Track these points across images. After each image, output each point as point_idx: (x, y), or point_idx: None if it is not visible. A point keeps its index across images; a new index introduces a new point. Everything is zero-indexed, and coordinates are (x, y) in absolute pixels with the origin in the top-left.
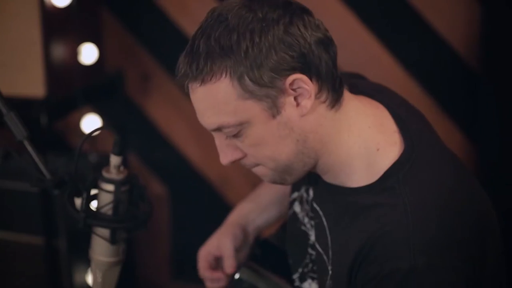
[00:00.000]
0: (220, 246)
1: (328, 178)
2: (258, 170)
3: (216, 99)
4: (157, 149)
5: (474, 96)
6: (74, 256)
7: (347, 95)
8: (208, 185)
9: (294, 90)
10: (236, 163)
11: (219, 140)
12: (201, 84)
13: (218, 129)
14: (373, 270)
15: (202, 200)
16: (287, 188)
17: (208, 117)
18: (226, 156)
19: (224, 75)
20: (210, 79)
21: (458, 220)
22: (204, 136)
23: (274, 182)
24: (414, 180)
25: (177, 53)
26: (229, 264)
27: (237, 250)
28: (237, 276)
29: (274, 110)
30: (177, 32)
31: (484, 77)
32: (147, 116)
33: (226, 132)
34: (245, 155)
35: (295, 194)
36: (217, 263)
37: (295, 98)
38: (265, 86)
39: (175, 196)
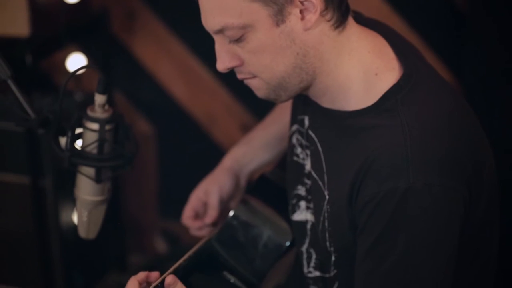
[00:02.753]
0: (208, 193)
1: (325, 103)
2: (252, 83)
3: None
4: (144, 88)
5: (461, 35)
6: (60, 195)
7: (350, 20)
8: (195, 124)
9: (301, 2)
10: (231, 70)
11: (220, 45)
12: None
13: (221, 31)
14: (371, 190)
15: (189, 139)
16: (281, 131)
17: (213, 17)
18: (223, 62)
19: None
20: None
21: (457, 141)
22: (191, 75)
23: (268, 97)
24: (413, 102)
25: None
26: (210, 214)
27: (229, 198)
28: (231, 213)
29: (279, 18)
30: None
31: (470, 17)
32: (133, 55)
33: (228, 35)
34: (242, 63)
35: (294, 127)
36: (205, 209)
37: (301, 11)
38: None
39: (162, 135)
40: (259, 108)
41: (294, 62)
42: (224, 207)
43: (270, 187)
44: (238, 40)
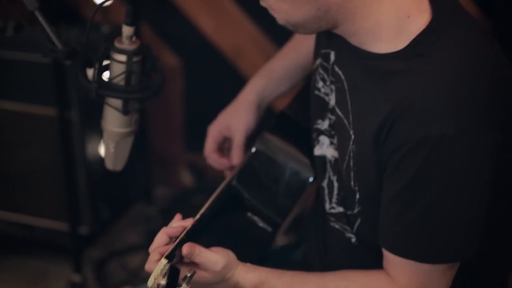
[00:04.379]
0: (232, 129)
1: (353, 42)
2: (273, 13)
3: None
4: (170, 21)
5: None
6: (86, 127)
7: None
8: (221, 57)
9: None
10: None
11: None
12: None
13: None
14: (403, 136)
15: (215, 72)
16: (300, 60)
17: None
18: None
19: None
20: None
21: (489, 86)
22: (218, 7)
23: (285, 26)
24: (445, 47)
25: None
26: (237, 154)
27: (250, 134)
28: (253, 149)
29: None
30: None
31: None
32: None
33: None
34: None
35: (318, 61)
36: (225, 142)
37: None
38: None
39: (188, 68)
40: (285, 40)
41: (314, 14)
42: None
43: (289, 123)
44: None
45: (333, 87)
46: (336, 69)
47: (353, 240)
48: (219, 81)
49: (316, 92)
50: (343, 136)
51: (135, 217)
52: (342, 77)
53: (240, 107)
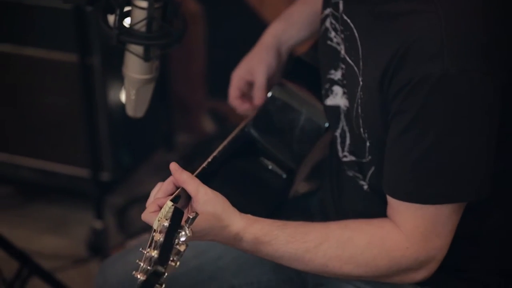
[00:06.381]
0: (253, 72)
1: None
2: None
3: None
4: None
5: None
6: (108, 74)
7: None
8: (243, 3)
9: None
10: None
11: None
12: None
13: None
14: (406, 76)
15: (237, 18)
16: (320, 6)
17: None
18: None
19: None
20: None
21: (494, 26)
22: None
23: None
24: None
25: None
26: (259, 95)
27: (274, 76)
28: (269, 94)
29: None
30: None
31: None
32: None
33: None
34: None
35: (327, 10)
36: (249, 87)
37: None
38: None
39: (210, 13)
40: None
41: None
42: (269, 86)
43: (306, 70)
44: None
45: (343, 36)
46: (345, 17)
47: (365, 187)
48: (241, 27)
49: (329, 42)
50: (353, 83)
51: (156, 164)
52: (351, 25)
53: (260, 50)
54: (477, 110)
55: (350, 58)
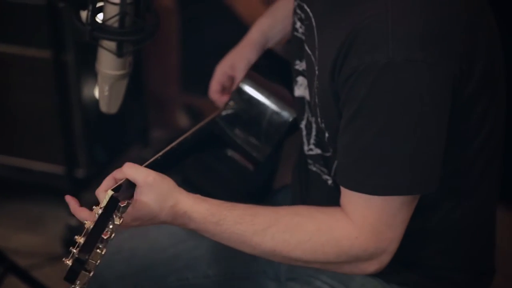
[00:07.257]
0: (234, 68)
1: None
2: None
3: None
4: None
5: None
6: (81, 70)
7: None
8: None
9: None
10: None
11: None
12: None
13: None
14: (352, 63)
15: (211, 12)
16: None
17: None
18: None
19: None
20: None
21: (443, 16)
22: None
23: None
24: None
25: None
26: None
27: None
28: (236, 88)
29: None
30: None
31: None
32: None
33: None
34: None
35: (296, 2)
36: (231, 82)
37: None
38: None
39: (184, 8)
40: None
41: None
42: None
43: (278, 62)
44: None
45: (303, 26)
46: (305, 7)
47: (330, 182)
48: (215, 21)
49: (295, 33)
50: (311, 73)
51: (131, 160)
52: (310, 14)
53: (245, 46)
54: (422, 99)
55: (309, 48)
